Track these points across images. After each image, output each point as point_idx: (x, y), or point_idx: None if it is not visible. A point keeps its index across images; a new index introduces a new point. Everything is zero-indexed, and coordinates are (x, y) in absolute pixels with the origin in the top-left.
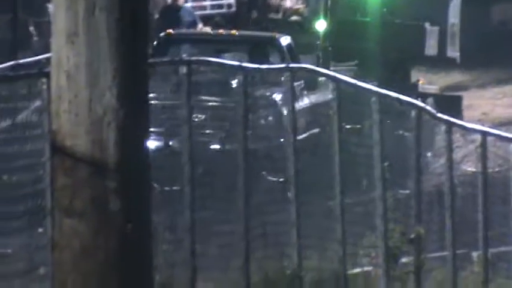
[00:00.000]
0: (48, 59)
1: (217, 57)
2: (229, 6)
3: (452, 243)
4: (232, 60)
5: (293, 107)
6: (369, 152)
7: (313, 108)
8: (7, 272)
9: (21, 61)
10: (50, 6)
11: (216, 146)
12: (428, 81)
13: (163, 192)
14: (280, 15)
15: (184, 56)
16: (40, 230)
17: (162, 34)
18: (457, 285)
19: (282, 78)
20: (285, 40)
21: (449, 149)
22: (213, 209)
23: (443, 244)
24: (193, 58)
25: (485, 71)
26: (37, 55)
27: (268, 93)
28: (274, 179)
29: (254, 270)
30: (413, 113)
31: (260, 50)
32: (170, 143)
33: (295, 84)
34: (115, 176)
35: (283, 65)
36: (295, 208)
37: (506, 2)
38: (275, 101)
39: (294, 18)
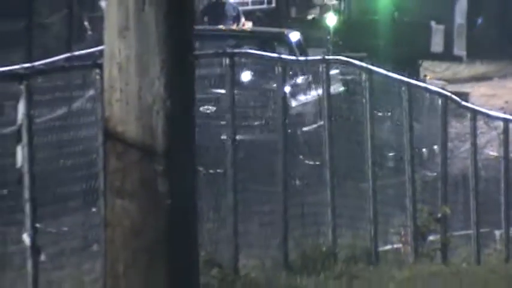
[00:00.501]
0: (101, 52)
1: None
2: (269, 2)
3: (476, 222)
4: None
5: (328, 94)
6: (398, 138)
7: (338, 96)
8: (64, 249)
9: (75, 53)
10: (103, 2)
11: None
12: (452, 73)
13: (208, 175)
14: (317, 11)
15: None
16: (94, 209)
17: None
18: (480, 262)
19: (320, 69)
20: (294, 36)
21: (474, 135)
22: (254, 190)
23: (468, 223)
24: (236, 51)
25: (509, 63)
26: (91, 48)
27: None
28: (311, 162)
29: (292, 247)
30: (440, 102)
31: (270, 44)
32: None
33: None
34: (163, 160)
35: (319, 57)
36: (330, 190)
37: None
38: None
39: (311, 15)
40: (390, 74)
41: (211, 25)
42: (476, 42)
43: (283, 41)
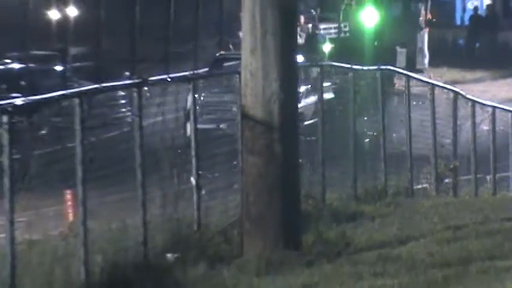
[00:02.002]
0: (239, 64)
1: None
2: (345, 32)
3: (475, 170)
4: None
5: (383, 91)
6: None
7: None
8: (216, 187)
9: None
10: (241, 33)
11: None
12: (462, 76)
13: (306, 141)
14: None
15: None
16: (234, 162)
17: (217, 54)
18: (477, 195)
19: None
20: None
21: (473, 116)
22: (334, 152)
23: (469, 171)
24: (324, 63)
25: (496, 71)
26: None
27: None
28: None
29: (359, 186)
30: (451, 95)
31: None
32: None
33: None
34: (277, 131)
35: (375, 67)
36: (383, 151)
37: None
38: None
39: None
40: (421, 77)
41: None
42: (475, 57)
43: None
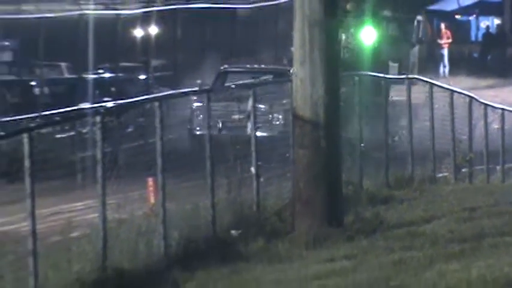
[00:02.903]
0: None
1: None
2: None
3: (487, 161)
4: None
5: (409, 96)
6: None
7: None
8: (273, 175)
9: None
10: (292, 48)
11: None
12: (474, 84)
13: (346, 138)
14: None
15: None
16: (287, 155)
17: (221, 68)
18: (489, 182)
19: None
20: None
21: (485, 116)
22: (370, 145)
23: (482, 162)
24: (360, 72)
25: (505, 79)
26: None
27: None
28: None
29: (390, 175)
30: (467, 99)
31: (279, 76)
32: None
33: None
34: (323, 129)
35: (403, 76)
36: (411, 145)
37: None
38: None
39: None
40: (454, 88)
41: None
42: (487, 68)
43: (286, 73)
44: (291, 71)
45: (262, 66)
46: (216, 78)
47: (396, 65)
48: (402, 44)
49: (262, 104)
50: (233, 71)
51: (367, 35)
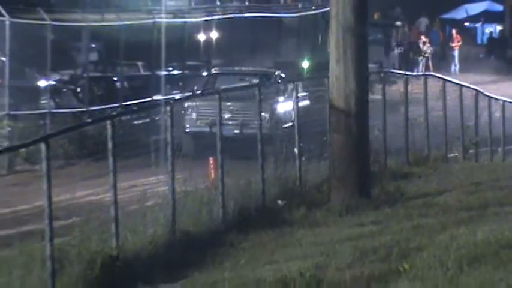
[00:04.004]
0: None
1: (242, 82)
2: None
3: (490, 144)
4: (249, 82)
5: (426, 90)
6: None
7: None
8: (313, 155)
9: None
10: (329, 49)
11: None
12: (475, 80)
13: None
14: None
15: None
16: (324, 138)
17: (213, 70)
18: (492, 161)
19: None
20: (278, 73)
21: (489, 107)
22: (392, 130)
23: (487, 145)
24: (386, 70)
25: (506, 75)
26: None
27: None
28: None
29: (410, 154)
30: (474, 92)
31: (266, 78)
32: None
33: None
34: (353, 117)
35: (421, 73)
36: (427, 130)
37: None
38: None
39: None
40: (462, 83)
41: None
42: (491, 66)
43: (271, 75)
44: (276, 73)
45: (250, 68)
46: (207, 79)
47: (374, 66)
48: (383, 48)
49: (252, 104)
50: (223, 73)
51: None
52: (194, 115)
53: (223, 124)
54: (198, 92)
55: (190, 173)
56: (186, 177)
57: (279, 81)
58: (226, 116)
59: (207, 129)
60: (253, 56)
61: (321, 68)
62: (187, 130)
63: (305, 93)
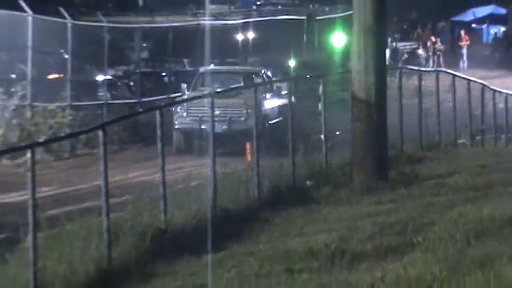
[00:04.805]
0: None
1: (231, 80)
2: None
3: (494, 131)
4: (236, 81)
5: (437, 84)
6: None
7: None
8: (337, 142)
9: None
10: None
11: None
12: (481, 75)
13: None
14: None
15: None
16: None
17: (201, 69)
18: (496, 146)
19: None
20: (264, 72)
21: (493, 99)
22: (408, 119)
23: (491, 132)
24: (402, 66)
25: (509, 70)
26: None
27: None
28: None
29: (423, 140)
30: (480, 86)
31: (252, 76)
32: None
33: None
34: (374, 106)
35: (433, 68)
36: (438, 118)
37: None
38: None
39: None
40: (469, 78)
41: None
42: (495, 62)
43: (258, 74)
44: (262, 71)
45: (237, 67)
46: (196, 78)
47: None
48: None
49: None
50: (210, 71)
51: (337, 39)
52: (184, 112)
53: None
54: (186, 89)
55: (228, 158)
56: (226, 160)
57: (309, 77)
58: (216, 112)
59: (196, 125)
60: (281, 54)
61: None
62: (177, 127)
63: (285, 91)
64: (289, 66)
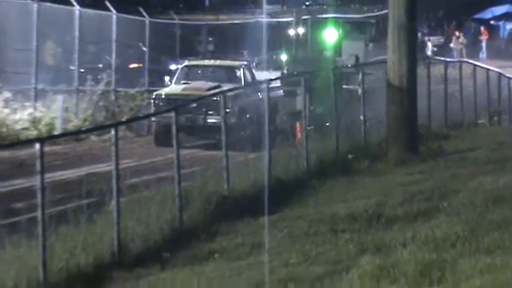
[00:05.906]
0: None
1: (212, 74)
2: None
3: (509, 112)
4: (217, 74)
5: (461, 73)
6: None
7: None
8: (374, 121)
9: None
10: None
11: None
12: (499, 65)
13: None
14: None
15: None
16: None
17: (184, 64)
18: (510, 125)
19: None
20: (245, 65)
21: (509, 85)
22: (435, 102)
23: (507, 113)
24: (431, 57)
25: None
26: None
27: None
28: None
29: (448, 120)
30: (497, 74)
31: (234, 69)
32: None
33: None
34: (406, 92)
35: (456, 59)
36: (461, 101)
37: None
38: None
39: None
40: (487, 66)
41: None
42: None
43: (239, 67)
44: (242, 65)
45: (218, 62)
46: (179, 72)
47: (353, 57)
48: (359, 42)
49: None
50: (194, 65)
51: (330, 35)
52: (161, 105)
53: (192, 114)
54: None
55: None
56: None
57: (345, 65)
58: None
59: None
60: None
61: (304, 61)
62: (153, 119)
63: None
64: (282, 60)
